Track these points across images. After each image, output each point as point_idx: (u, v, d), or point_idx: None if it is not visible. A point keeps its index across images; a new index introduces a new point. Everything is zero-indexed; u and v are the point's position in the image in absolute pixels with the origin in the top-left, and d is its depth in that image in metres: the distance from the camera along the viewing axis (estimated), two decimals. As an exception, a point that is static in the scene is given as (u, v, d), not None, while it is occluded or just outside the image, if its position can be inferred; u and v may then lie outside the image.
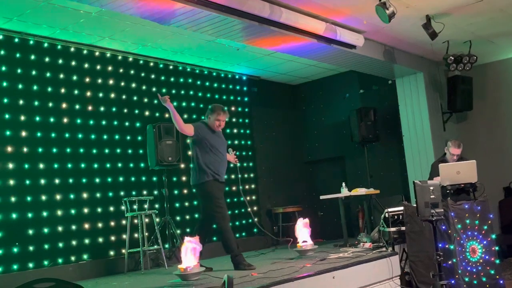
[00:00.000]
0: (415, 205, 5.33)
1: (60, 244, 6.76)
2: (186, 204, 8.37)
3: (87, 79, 7.43)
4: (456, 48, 8.41)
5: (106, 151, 7.47)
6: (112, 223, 7.35)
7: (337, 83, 10.25)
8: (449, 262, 5.95)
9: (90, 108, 7.39)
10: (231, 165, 6.70)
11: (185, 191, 8.39)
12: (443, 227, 6.04)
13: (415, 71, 9.06)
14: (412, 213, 6.21)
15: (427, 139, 9.02)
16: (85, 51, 7.44)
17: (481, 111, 9.66)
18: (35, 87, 6.86)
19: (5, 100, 6.56)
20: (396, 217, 6.74)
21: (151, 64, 8.27)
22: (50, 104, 6.97)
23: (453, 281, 5.81)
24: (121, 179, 7.57)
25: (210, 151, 5.96)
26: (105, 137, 7.49)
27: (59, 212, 6.82)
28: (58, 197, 6.84)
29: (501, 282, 6.23)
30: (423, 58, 9.15)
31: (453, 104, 9.30)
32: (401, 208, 6.66)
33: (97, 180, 7.30)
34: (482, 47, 8.62)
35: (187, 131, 5.93)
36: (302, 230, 6.83)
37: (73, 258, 6.86)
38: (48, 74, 7.02)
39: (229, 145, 6.82)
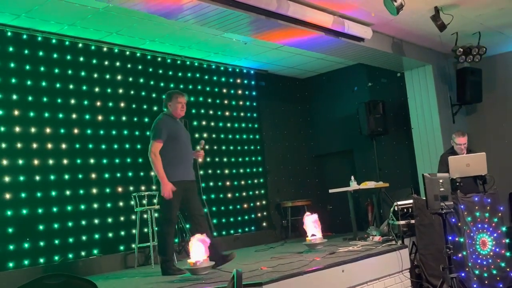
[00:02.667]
0: (424, 198, 5.30)
1: (71, 240, 6.81)
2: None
3: (95, 75, 7.46)
4: (465, 40, 8.34)
5: (115, 146, 7.50)
6: (122, 218, 7.39)
7: (345, 76, 10.22)
8: (459, 255, 5.92)
9: (98, 103, 7.42)
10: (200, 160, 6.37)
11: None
12: (453, 220, 6.01)
13: (423, 63, 9.01)
14: (421, 206, 6.19)
15: (436, 132, 8.98)
16: (93, 47, 7.46)
17: (490, 103, 9.58)
18: (43, 83, 6.89)
19: (14, 97, 6.59)
20: (405, 210, 6.72)
21: (159, 59, 8.28)
22: (59, 100, 7.00)
23: (463, 274, 5.78)
24: (130, 174, 7.60)
25: (173, 146, 5.62)
26: (114, 132, 7.52)
27: (69, 208, 6.86)
28: (68, 192, 6.88)
29: (512, 274, 6.21)
30: (431, 50, 9.09)
31: (463, 96, 9.23)
32: (411, 201, 6.63)
33: (107, 175, 7.33)
34: (491, 38, 8.55)
35: (160, 147, 5.59)
36: (311, 225, 6.81)
37: (83, 253, 6.91)
38: (56, 70, 7.04)
39: (203, 138, 6.29)
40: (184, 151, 5.72)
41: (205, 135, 8.69)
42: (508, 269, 6.17)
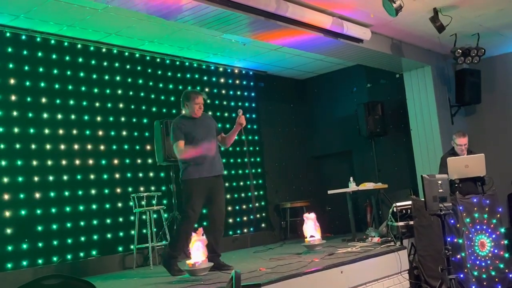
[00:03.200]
0: (423, 199, 5.30)
1: (69, 240, 6.80)
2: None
3: (94, 76, 7.45)
4: (464, 41, 8.35)
5: (114, 147, 7.49)
6: (121, 219, 7.38)
7: (344, 77, 10.22)
8: (458, 256, 5.93)
9: (97, 104, 7.41)
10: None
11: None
12: (452, 221, 6.02)
13: (422, 64, 9.01)
14: (420, 207, 6.19)
15: (435, 133, 8.98)
16: (92, 48, 7.46)
17: (489, 104, 9.59)
18: (42, 84, 6.88)
19: (13, 97, 6.58)
20: (404, 211, 6.72)
21: (158, 60, 8.28)
22: (58, 101, 7.00)
23: (461, 275, 5.78)
24: (129, 175, 7.59)
25: (193, 143, 5.62)
26: (112, 133, 7.51)
27: (68, 209, 6.85)
28: (66, 193, 6.87)
29: (510, 276, 6.20)
30: (430, 52, 9.10)
31: (461, 97, 9.25)
32: (409, 202, 6.64)
33: (105, 176, 7.32)
34: (490, 39, 8.55)
35: (183, 144, 5.65)
36: (310, 226, 6.81)
37: (82, 254, 6.90)
38: (55, 71, 7.04)
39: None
40: (203, 149, 5.63)
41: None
42: (506, 270, 6.18)
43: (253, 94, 9.76)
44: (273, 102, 10.08)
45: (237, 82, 9.52)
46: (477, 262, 6.03)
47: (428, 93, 9.09)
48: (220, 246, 5.79)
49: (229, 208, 8.90)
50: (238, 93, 9.47)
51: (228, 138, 5.94)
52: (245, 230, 9.02)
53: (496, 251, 6.17)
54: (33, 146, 6.65)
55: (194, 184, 5.62)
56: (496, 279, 6.07)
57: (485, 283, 5.97)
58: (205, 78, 8.96)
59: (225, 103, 9.21)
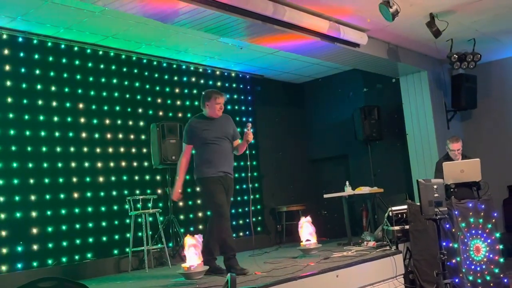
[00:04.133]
0: (419, 204, 5.31)
1: (64, 243, 6.78)
2: (190, 203, 8.37)
3: (91, 78, 7.44)
4: (460, 46, 8.38)
5: (110, 150, 7.48)
6: (116, 222, 7.37)
7: (340, 82, 10.25)
8: (453, 261, 5.94)
9: (94, 107, 7.41)
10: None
11: (189, 190, 8.39)
12: (447, 226, 6.03)
13: (419, 69, 9.04)
14: (416, 211, 6.20)
15: (431, 138, 9.00)
16: (88, 50, 7.45)
17: (485, 109, 9.62)
18: (38, 86, 6.87)
19: (9, 99, 6.57)
20: (400, 215, 6.73)
21: (155, 63, 8.28)
22: (54, 103, 6.99)
23: (457, 280, 5.79)
24: (124, 178, 7.58)
25: (207, 148, 5.54)
26: (108, 136, 7.51)
27: (63, 211, 6.84)
28: (62, 196, 6.86)
29: (505, 281, 6.21)
30: (427, 56, 9.13)
31: (457, 102, 9.27)
32: (405, 206, 6.65)
33: (101, 179, 7.31)
34: (486, 45, 8.59)
35: (189, 154, 5.70)
36: (306, 230, 6.82)
37: (77, 257, 6.88)
38: (51, 73, 7.03)
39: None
40: (216, 150, 5.54)
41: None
42: (501, 275, 6.19)
43: (249, 97, 9.76)
44: (270, 106, 10.09)
45: (234, 85, 9.52)
46: (472, 267, 6.04)
47: (424, 98, 9.11)
48: (228, 248, 5.45)
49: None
50: (235, 96, 9.48)
51: (239, 149, 5.82)
52: (241, 234, 9.02)
53: (491, 256, 6.18)
54: (29, 148, 6.64)
55: (210, 181, 5.49)
56: (491, 284, 6.08)
57: (480, 288, 5.98)
58: (202, 81, 8.96)
59: (221, 106, 9.19)
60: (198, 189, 5.83)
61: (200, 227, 8.40)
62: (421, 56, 9.02)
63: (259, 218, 9.49)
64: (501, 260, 6.27)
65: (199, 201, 8.48)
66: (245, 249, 8.18)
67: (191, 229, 8.17)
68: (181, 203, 8.19)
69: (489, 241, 6.22)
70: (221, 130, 5.64)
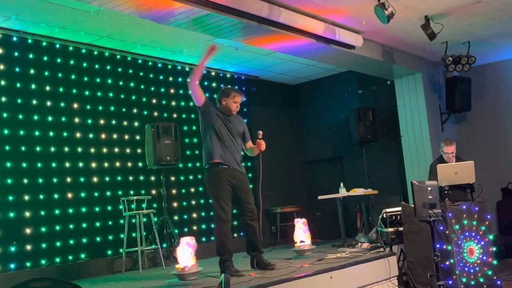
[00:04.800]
0: (413, 206, 5.32)
1: (58, 243, 6.76)
2: (184, 203, 8.37)
3: (86, 78, 7.43)
4: (455, 49, 8.41)
5: (104, 150, 7.47)
6: (110, 223, 7.35)
7: (335, 83, 10.26)
8: (447, 263, 5.95)
9: (88, 107, 7.39)
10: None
11: (183, 191, 8.39)
12: (441, 228, 6.04)
13: (413, 71, 9.07)
14: (410, 213, 6.21)
15: (425, 140, 9.03)
16: (83, 50, 7.44)
17: (479, 112, 9.66)
18: (33, 86, 6.85)
19: (3, 99, 6.55)
20: (394, 217, 6.74)
21: (150, 63, 8.27)
22: (49, 103, 6.97)
23: (450, 282, 5.81)
24: (119, 178, 7.56)
25: (218, 137, 5.44)
26: (103, 136, 7.49)
27: (57, 211, 6.82)
28: (56, 196, 6.83)
29: (499, 283, 6.24)
30: (421, 59, 9.15)
31: (452, 104, 9.31)
32: (399, 208, 6.66)
33: (95, 179, 7.29)
34: (481, 48, 8.62)
35: (198, 96, 5.51)
36: (300, 231, 6.82)
37: (70, 258, 6.86)
38: (46, 73, 7.01)
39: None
40: (227, 144, 5.45)
41: (195, 140, 8.68)
42: (495, 277, 6.21)
43: (245, 99, 9.70)
44: (265, 107, 10.09)
45: (229, 86, 9.49)
46: (466, 269, 6.06)
47: (418, 100, 9.14)
48: (225, 251, 5.40)
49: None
50: (230, 97, 9.46)
51: (253, 152, 5.78)
52: (235, 235, 9.00)
53: (484, 258, 6.20)
54: (23, 148, 6.62)
55: (218, 174, 5.36)
56: (485, 286, 6.10)
57: (473, 290, 6.00)
58: (197, 82, 8.93)
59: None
60: (205, 188, 5.64)
61: (195, 228, 8.39)
62: (416, 59, 9.04)
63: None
64: (495, 262, 6.29)
65: (193, 202, 8.48)
66: (239, 250, 8.17)
67: (185, 230, 8.16)
68: (175, 204, 8.18)
69: (482, 243, 6.24)
70: (233, 127, 5.60)
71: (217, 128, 5.46)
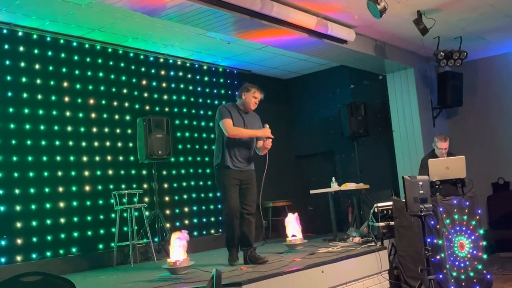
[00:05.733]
0: (404, 200, 5.34)
1: (49, 237, 6.73)
2: (176, 197, 8.35)
3: (77, 72, 7.38)
4: (447, 44, 8.43)
5: (96, 144, 7.43)
6: (101, 217, 7.32)
7: (328, 78, 10.26)
8: (437, 257, 5.98)
9: (79, 100, 7.34)
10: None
11: (175, 185, 8.37)
12: (432, 222, 6.07)
13: (405, 66, 9.08)
14: (401, 208, 6.23)
15: (417, 135, 9.06)
16: (74, 43, 7.39)
17: (471, 107, 9.70)
18: (23, 79, 6.80)
19: (-7, 92, 6.50)
20: (385, 212, 6.76)
21: (141, 57, 8.23)
22: (39, 96, 6.92)
23: (441, 276, 5.84)
24: (110, 172, 7.53)
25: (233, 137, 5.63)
26: (94, 130, 7.45)
27: (48, 205, 6.78)
28: (46, 190, 6.80)
29: (488, 277, 6.28)
30: (413, 54, 9.17)
31: (443, 99, 9.33)
32: (390, 203, 6.68)
33: (86, 173, 7.26)
34: (473, 43, 8.65)
35: (231, 123, 5.65)
36: (292, 224, 6.83)
37: (61, 252, 6.83)
38: (37, 66, 6.96)
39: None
40: (241, 143, 5.67)
41: (187, 134, 8.66)
42: (484, 271, 6.25)
43: (237, 93, 9.71)
44: (257, 101, 10.06)
45: (221, 80, 9.50)
46: (456, 263, 6.09)
47: (410, 95, 9.16)
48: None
49: (211, 207, 8.89)
50: (222, 91, 9.45)
51: (261, 151, 6.01)
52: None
53: (475, 252, 6.24)
54: (13, 142, 6.57)
55: (227, 173, 5.63)
56: (475, 280, 6.14)
57: (463, 284, 6.04)
58: (189, 76, 8.93)
59: (208, 101, 9.18)
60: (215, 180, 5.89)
61: (186, 222, 8.39)
62: (408, 54, 9.06)
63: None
64: (485, 256, 6.33)
65: (185, 196, 8.47)
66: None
67: (177, 224, 8.16)
68: (167, 198, 8.17)
69: (473, 237, 6.27)
70: (250, 125, 5.77)
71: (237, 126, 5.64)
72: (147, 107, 8.17)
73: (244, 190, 5.75)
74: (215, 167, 5.79)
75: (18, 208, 6.50)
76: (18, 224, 6.48)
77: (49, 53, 7.11)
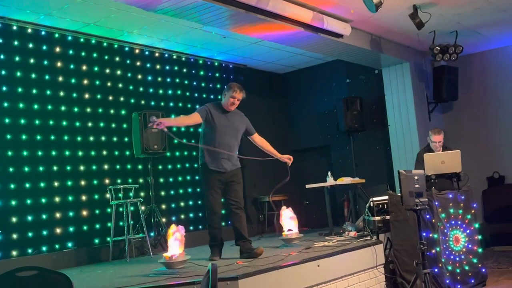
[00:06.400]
0: (399, 194, 5.35)
1: (44, 232, 6.72)
2: (172, 192, 8.35)
3: (72, 66, 7.35)
4: (442, 38, 8.44)
5: (91, 138, 7.41)
6: (97, 211, 7.32)
7: (323, 72, 10.25)
8: (433, 251, 6.00)
9: (74, 95, 7.32)
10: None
11: (171, 179, 8.37)
12: (427, 216, 6.09)
13: (401, 60, 9.09)
14: (396, 202, 6.25)
15: (412, 129, 9.07)
16: (69, 37, 7.35)
17: (466, 101, 9.72)
18: (18, 74, 6.77)
19: (-12, 86, 6.47)
20: (381, 206, 6.77)
21: (137, 51, 8.20)
22: (34, 91, 6.89)
23: (436, 270, 5.86)
24: (106, 167, 7.52)
25: (213, 136, 5.68)
26: (90, 124, 7.43)
27: (43, 200, 6.77)
28: (42, 184, 6.78)
29: (483, 270, 6.31)
30: (409, 48, 9.17)
31: (439, 94, 9.35)
32: (386, 197, 6.69)
33: (82, 167, 7.25)
34: (468, 37, 8.66)
35: (195, 121, 5.72)
36: (288, 219, 6.84)
37: (57, 246, 6.82)
38: (32, 60, 6.93)
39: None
40: (219, 141, 5.69)
41: (183, 128, 8.64)
42: (480, 265, 6.28)
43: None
44: (253, 96, 9.99)
45: (217, 75, 9.48)
46: (452, 257, 6.12)
47: (406, 90, 9.17)
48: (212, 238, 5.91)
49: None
50: (218, 86, 9.43)
51: (269, 151, 6.32)
52: (223, 224, 9.01)
53: (470, 246, 6.27)
54: (8, 136, 6.55)
55: (209, 173, 5.71)
56: (470, 274, 6.17)
57: (458, 278, 6.06)
58: (185, 70, 8.91)
59: (204, 96, 9.17)
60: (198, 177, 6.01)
61: (182, 216, 8.39)
62: (404, 48, 9.06)
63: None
64: (480, 250, 6.36)
65: (181, 191, 8.46)
66: (228, 239, 8.19)
67: (173, 218, 8.16)
68: (163, 193, 8.17)
69: (468, 231, 6.30)
70: (232, 123, 5.81)
71: (214, 125, 5.70)
72: (143, 102, 8.15)
73: (228, 187, 5.80)
74: (199, 166, 5.89)
75: (13, 203, 6.48)
76: (14, 219, 6.47)
77: (44, 47, 7.08)
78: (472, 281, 6.15)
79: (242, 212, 5.86)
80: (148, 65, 8.35)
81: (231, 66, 9.69)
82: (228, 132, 5.75)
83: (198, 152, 5.93)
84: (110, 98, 7.75)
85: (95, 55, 7.64)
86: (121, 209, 7.13)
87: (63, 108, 7.16)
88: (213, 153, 5.69)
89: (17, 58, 6.78)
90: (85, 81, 7.47)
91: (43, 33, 7.07)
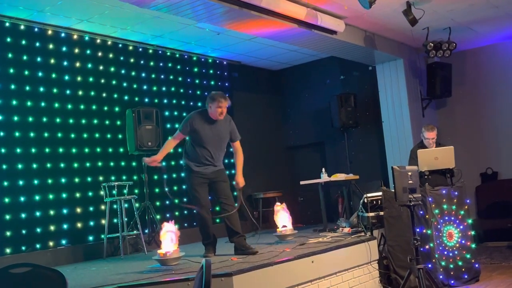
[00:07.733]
0: (393, 191, 5.37)
1: (38, 229, 6.70)
2: (166, 189, 8.30)
3: (65, 63, 7.32)
4: (436, 35, 8.46)
5: (85, 135, 7.39)
6: (91, 208, 7.30)
7: (317, 69, 10.26)
8: (426, 247, 6.03)
9: (68, 92, 7.30)
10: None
11: (165, 177, 8.30)
12: (421, 212, 6.11)
13: (395, 57, 9.10)
14: (390, 198, 6.26)
15: (406, 125, 9.10)
16: (62, 34, 7.32)
17: (459, 97, 9.75)
18: (11, 71, 6.74)
19: (-19, 83, 6.44)
20: (374, 202, 6.79)
21: (130, 48, 8.18)
22: (27, 88, 6.86)
23: (430, 265, 5.89)
24: (100, 164, 7.50)
25: (197, 145, 5.76)
26: (83, 121, 7.41)
27: (37, 197, 6.75)
28: (35, 182, 6.76)
29: (477, 266, 6.34)
30: (403, 45, 9.19)
31: (432, 90, 9.37)
32: (380, 193, 6.71)
33: (76, 165, 7.23)
34: (462, 34, 8.68)
35: (181, 139, 5.90)
36: (282, 215, 6.85)
37: (51, 243, 6.81)
38: (24, 57, 6.90)
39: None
40: (201, 151, 5.76)
41: (177, 125, 8.63)
42: (473, 261, 6.31)
43: (226, 84, 9.72)
44: (247, 93, 10.06)
45: (211, 71, 9.46)
46: (445, 253, 6.14)
47: (400, 86, 9.19)
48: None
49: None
50: (212, 83, 9.43)
51: (236, 162, 6.27)
52: (218, 220, 9.01)
53: (463, 241, 6.30)
54: (1, 134, 6.53)
55: (193, 175, 5.79)
56: (463, 269, 6.20)
57: (452, 273, 6.09)
58: (179, 67, 8.89)
59: (198, 92, 9.16)
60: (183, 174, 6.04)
61: (177, 213, 8.38)
62: (398, 44, 9.08)
63: (235, 204, 9.47)
64: (473, 246, 6.39)
65: (175, 188, 8.46)
66: (222, 235, 8.19)
67: (167, 215, 8.14)
68: (157, 190, 8.15)
69: (461, 227, 6.32)
70: (217, 133, 5.84)
71: (199, 134, 5.76)
72: (136, 99, 8.13)
73: (214, 186, 5.87)
74: (183, 166, 5.97)
75: (6, 200, 6.46)
76: (7, 216, 6.45)
77: (37, 44, 7.05)
78: (466, 276, 6.18)
79: (232, 209, 5.88)
80: (142, 61, 8.33)
81: (225, 62, 9.68)
82: (212, 143, 5.79)
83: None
84: (104, 95, 7.73)
85: (88, 51, 7.61)
86: (115, 206, 7.11)
87: (56, 105, 7.13)
88: (196, 157, 5.77)
89: (9, 55, 6.75)
90: (79, 78, 7.45)
91: (36, 29, 7.04)
